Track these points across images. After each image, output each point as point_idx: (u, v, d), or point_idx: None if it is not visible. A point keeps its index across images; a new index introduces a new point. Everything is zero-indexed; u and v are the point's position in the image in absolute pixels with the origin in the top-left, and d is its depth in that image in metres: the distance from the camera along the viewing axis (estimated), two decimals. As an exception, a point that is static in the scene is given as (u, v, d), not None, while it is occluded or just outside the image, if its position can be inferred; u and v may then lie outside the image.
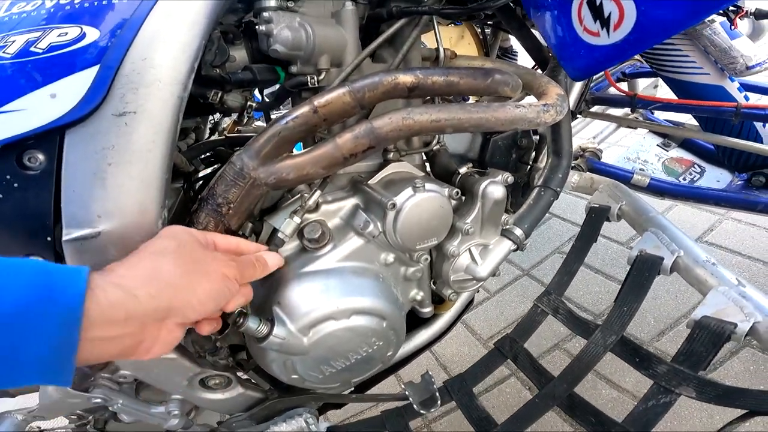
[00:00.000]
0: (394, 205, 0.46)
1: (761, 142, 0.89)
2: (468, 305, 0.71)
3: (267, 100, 0.71)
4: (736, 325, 0.45)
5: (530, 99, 0.53)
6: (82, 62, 0.38)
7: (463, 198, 0.56)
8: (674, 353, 0.52)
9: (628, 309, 0.59)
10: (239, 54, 0.56)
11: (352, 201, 0.53)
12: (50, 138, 0.38)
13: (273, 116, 0.56)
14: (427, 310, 0.62)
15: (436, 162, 0.64)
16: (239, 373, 0.58)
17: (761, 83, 1.02)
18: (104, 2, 0.41)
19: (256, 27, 0.48)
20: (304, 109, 0.43)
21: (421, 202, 0.48)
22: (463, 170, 0.58)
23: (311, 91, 0.53)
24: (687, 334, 0.51)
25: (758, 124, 0.89)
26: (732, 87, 0.89)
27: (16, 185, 0.38)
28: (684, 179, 1.05)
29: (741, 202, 0.90)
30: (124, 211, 0.40)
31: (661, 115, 1.16)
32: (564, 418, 0.82)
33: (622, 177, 1.01)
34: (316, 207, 0.51)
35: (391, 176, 0.53)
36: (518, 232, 0.58)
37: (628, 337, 0.56)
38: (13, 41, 0.39)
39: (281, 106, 0.72)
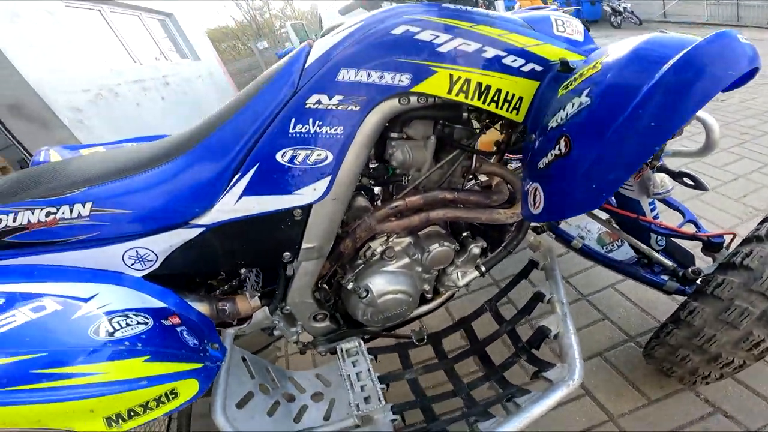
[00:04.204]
0: (429, 251, 1.03)
1: (648, 243, 1.44)
2: (450, 297, 1.31)
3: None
4: (551, 331, 1.04)
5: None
6: (327, 172, 0.81)
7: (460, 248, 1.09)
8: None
9: (518, 319, 1.20)
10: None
11: (407, 240, 1.07)
12: (306, 206, 0.85)
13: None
14: (429, 296, 1.18)
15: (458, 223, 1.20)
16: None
17: (671, 199, 1.56)
18: (338, 135, 0.79)
19: (386, 145, 0.94)
20: (401, 202, 0.97)
21: (440, 251, 1.04)
22: (465, 234, 1.12)
23: (399, 183, 1.04)
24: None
25: (650, 228, 1.41)
26: (645, 201, 1.41)
27: (289, 223, 0.85)
28: (606, 248, 1.59)
29: (628, 272, 1.37)
30: (326, 240, 0.92)
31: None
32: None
33: (566, 238, 1.53)
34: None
35: (428, 232, 1.11)
36: (483, 268, 1.14)
37: (516, 331, 1.16)
38: (294, 155, 0.80)
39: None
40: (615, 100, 0.65)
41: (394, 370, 1.16)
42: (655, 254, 1.35)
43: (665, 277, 1.36)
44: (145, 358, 0.66)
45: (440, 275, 1.15)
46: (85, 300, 0.69)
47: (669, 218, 1.53)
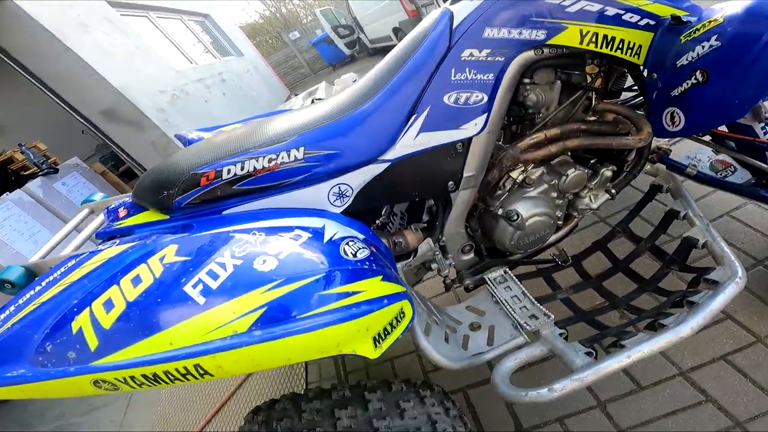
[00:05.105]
0: (567, 175, 1.10)
1: (765, 162, 1.44)
2: (575, 226, 1.38)
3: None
4: (698, 240, 1.08)
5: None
6: (484, 110, 0.94)
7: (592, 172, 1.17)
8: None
9: (656, 236, 1.24)
10: None
11: (541, 168, 1.15)
12: (467, 139, 0.97)
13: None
14: (561, 223, 1.27)
15: (577, 154, 1.27)
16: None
17: None
18: (489, 80, 0.93)
19: (519, 89, 1.04)
20: (540, 135, 1.05)
21: (576, 175, 1.11)
22: (593, 161, 1.20)
23: (531, 120, 1.14)
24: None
25: (768, 149, 1.42)
26: (757, 126, 1.41)
27: (453, 155, 0.98)
28: (720, 174, 1.60)
29: (749, 193, 1.40)
30: (481, 169, 1.03)
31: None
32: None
33: (679, 167, 1.56)
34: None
35: (560, 160, 1.18)
36: (613, 191, 1.21)
37: (658, 246, 1.21)
38: (457, 98, 0.93)
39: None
40: (743, 45, 0.86)
41: (541, 294, 1.23)
42: (779, 171, 1.36)
43: (785, 196, 1.38)
44: (381, 277, 0.73)
45: (573, 199, 1.22)
46: (321, 230, 0.80)
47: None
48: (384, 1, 8.60)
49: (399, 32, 8.71)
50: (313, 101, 3.77)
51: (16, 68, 3.35)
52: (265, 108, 7.06)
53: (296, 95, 6.89)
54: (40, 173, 3.45)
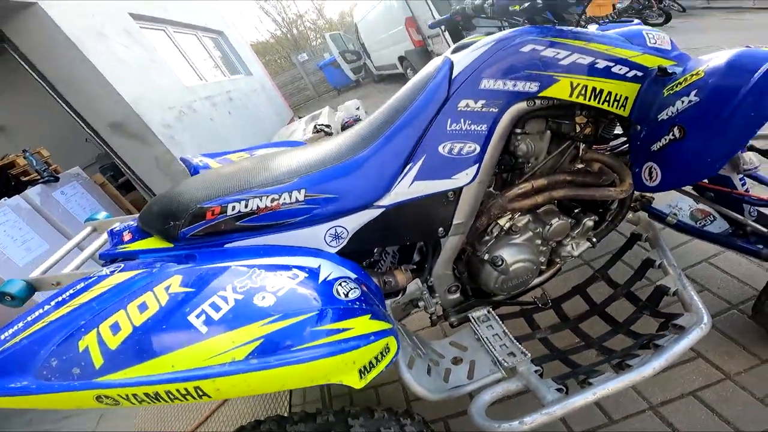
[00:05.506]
0: (551, 224, 1.18)
1: (741, 213, 1.51)
2: (558, 270, 1.44)
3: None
4: (670, 288, 1.15)
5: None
6: (476, 160, 1.00)
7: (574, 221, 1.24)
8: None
9: (632, 282, 1.31)
10: None
11: (527, 217, 1.21)
12: (458, 188, 1.03)
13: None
14: (543, 267, 1.34)
15: (563, 203, 1.35)
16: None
17: (758, 173, 1.62)
18: (483, 131, 0.98)
19: (510, 139, 1.12)
20: (528, 185, 1.12)
21: (560, 224, 1.17)
22: (576, 210, 1.27)
23: (520, 169, 1.21)
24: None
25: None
26: (735, 178, 1.51)
27: (444, 203, 1.04)
28: (699, 224, 1.67)
29: (725, 243, 1.44)
30: (470, 217, 1.09)
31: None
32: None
33: (660, 216, 1.63)
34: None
35: (545, 209, 1.26)
36: (594, 240, 1.28)
37: (633, 292, 1.27)
38: (451, 148, 0.99)
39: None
40: (721, 99, 0.88)
41: (522, 333, 1.29)
42: (752, 223, 1.42)
43: (760, 246, 1.43)
44: (369, 316, 0.79)
45: (556, 247, 1.29)
46: (317, 270, 0.85)
47: (759, 193, 1.57)
48: (392, 30, 8.87)
49: (404, 61, 8.97)
50: (315, 126, 3.88)
51: (30, 71, 3.41)
52: (268, 129, 7.20)
53: (300, 118, 7.02)
54: (40, 180, 3.48)
